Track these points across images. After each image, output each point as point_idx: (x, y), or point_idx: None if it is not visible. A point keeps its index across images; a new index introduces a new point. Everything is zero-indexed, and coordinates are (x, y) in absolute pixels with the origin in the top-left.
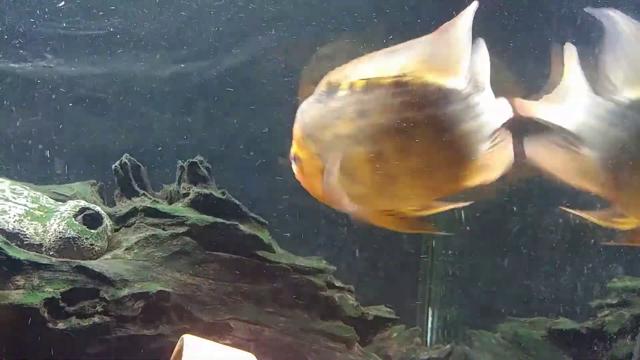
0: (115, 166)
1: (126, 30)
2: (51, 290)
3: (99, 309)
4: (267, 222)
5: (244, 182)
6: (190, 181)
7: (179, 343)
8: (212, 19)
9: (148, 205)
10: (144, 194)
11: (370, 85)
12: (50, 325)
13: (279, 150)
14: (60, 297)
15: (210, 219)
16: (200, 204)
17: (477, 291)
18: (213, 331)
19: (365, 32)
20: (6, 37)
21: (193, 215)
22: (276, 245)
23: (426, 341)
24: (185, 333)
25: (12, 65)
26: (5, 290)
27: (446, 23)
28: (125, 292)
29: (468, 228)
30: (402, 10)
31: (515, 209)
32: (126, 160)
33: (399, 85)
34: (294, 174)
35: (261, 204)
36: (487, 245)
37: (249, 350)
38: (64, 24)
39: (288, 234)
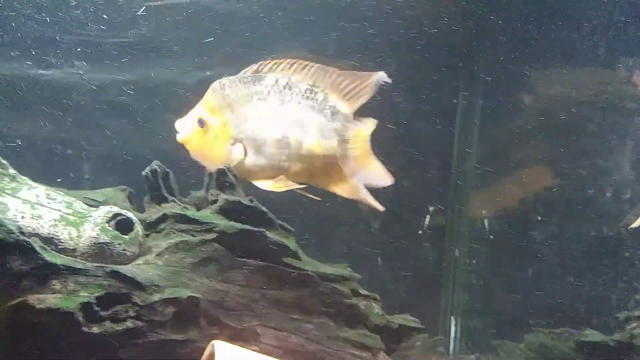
0: (146, 172)
1: (153, 38)
2: (86, 294)
3: (131, 313)
4: (293, 229)
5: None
6: (218, 188)
7: (208, 348)
8: (238, 27)
9: (177, 212)
10: (173, 201)
11: (291, 84)
12: (85, 329)
13: None
14: (95, 301)
15: (238, 225)
16: (229, 210)
17: (501, 301)
18: (240, 337)
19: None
20: (36, 44)
21: (221, 222)
22: (302, 253)
23: (449, 350)
24: (213, 338)
25: (41, 71)
26: (42, 294)
27: (367, 73)
28: (157, 297)
29: (492, 237)
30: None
31: (539, 218)
32: (156, 167)
33: (310, 91)
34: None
35: (284, 211)
36: (511, 254)
37: (276, 357)
38: (93, 32)
39: (313, 241)
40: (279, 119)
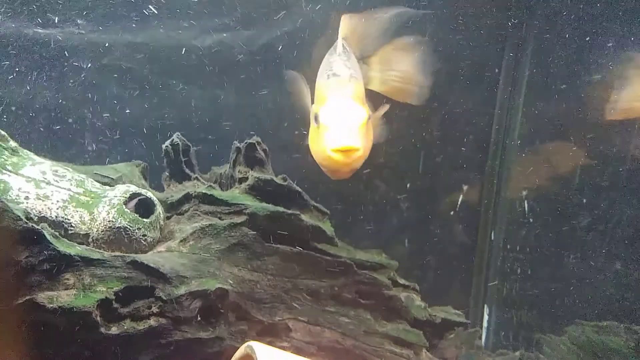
0: (166, 146)
1: None
2: (104, 289)
3: (154, 309)
4: (329, 212)
5: (289, 163)
6: (247, 165)
7: (243, 349)
8: None
9: (203, 192)
10: (196, 178)
11: None
12: (103, 330)
13: None
14: (113, 297)
15: (271, 207)
16: (259, 190)
17: (540, 290)
18: (271, 332)
19: None
20: None
21: (252, 203)
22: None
23: (483, 342)
24: (243, 335)
25: (39, 30)
26: (53, 291)
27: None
28: (182, 290)
29: (532, 220)
30: None
31: (584, 200)
32: (177, 140)
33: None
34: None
35: (307, 188)
36: (553, 239)
37: (309, 355)
38: None
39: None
40: None
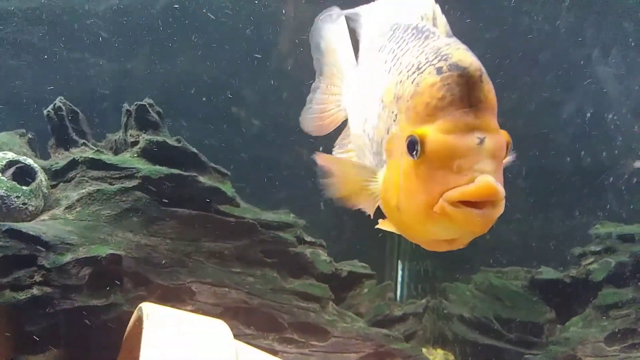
0: (48, 111)
1: None
2: None
3: (37, 278)
4: (229, 172)
5: (196, 130)
6: (139, 128)
7: (136, 313)
8: None
9: (90, 156)
10: (84, 144)
11: None
12: None
13: (234, 97)
14: None
15: (164, 170)
16: (152, 153)
17: None
18: (173, 297)
19: None
20: None
21: (144, 167)
22: (240, 199)
23: (397, 296)
24: (141, 301)
25: None
26: None
27: None
28: (69, 257)
29: None
30: None
31: None
32: (60, 104)
33: None
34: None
35: (216, 155)
36: None
37: (215, 316)
38: None
39: (248, 188)
40: None
